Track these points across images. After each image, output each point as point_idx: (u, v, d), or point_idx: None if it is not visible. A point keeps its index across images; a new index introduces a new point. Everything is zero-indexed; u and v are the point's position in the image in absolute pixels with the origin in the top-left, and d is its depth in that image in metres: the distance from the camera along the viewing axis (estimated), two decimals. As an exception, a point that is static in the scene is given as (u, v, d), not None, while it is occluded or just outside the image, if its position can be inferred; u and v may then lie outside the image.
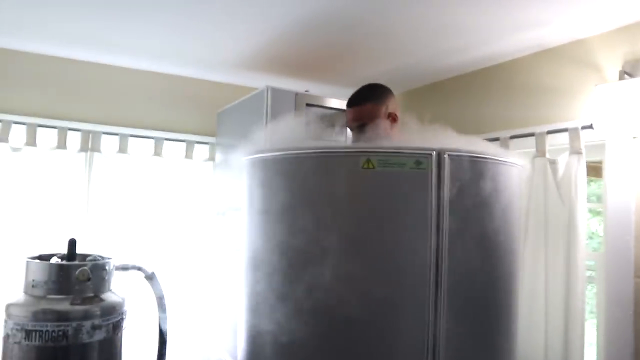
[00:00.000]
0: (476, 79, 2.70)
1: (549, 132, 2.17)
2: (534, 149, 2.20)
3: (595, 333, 2.15)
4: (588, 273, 2.32)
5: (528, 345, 2.14)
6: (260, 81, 2.87)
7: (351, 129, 1.87)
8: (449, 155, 1.22)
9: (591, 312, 2.29)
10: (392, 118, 1.81)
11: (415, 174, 1.19)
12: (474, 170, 1.30)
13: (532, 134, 2.22)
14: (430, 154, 1.21)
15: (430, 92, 3.01)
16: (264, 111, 2.05)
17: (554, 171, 2.11)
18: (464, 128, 2.68)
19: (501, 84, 2.54)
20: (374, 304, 1.22)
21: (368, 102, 1.80)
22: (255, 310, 1.42)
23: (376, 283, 1.22)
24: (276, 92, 2.09)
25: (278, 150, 1.36)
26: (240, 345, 1.50)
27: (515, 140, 2.33)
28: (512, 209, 1.38)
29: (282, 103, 2.07)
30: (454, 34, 2.20)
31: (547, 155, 2.16)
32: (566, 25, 2.06)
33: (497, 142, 2.36)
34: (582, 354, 1.98)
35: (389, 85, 1.88)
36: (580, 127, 2.05)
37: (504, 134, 2.36)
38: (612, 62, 2.04)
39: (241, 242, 1.53)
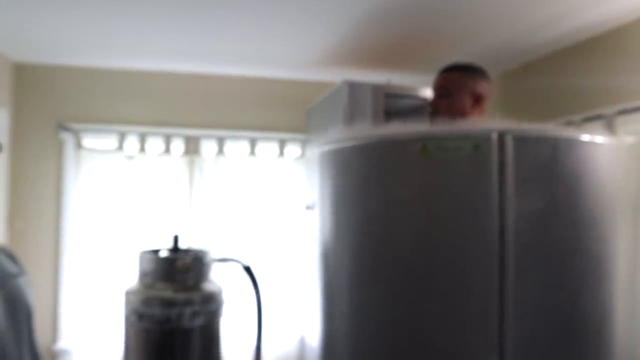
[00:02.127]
0: (577, 53, 2.45)
1: (664, 105, 1.90)
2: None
3: None
4: None
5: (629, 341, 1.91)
6: (345, 76, 2.89)
7: (431, 101, 1.73)
8: (513, 136, 1.12)
9: None
10: (478, 99, 1.64)
11: (472, 160, 1.11)
12: (545, 154, 1.18)
13: (643, 108, 1.96)
14: (490, 136, 1.12)
15: (526, 73, 2.80)
16: (343, 105, 2.07)
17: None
18: (566, 107, 2.47)
19: (606, 54, 2.28)
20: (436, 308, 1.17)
21: (457, 71, 1.65)
22: (329, 298, 1.44)
23: (431, 294, 1.17)
24: (354, 86, 2.09)
25: (336, 140, 1.36)
26: (316, 328, 1.54)
27: (626, 117, 2.07)
28: (601, 196, 1.23)
29: (360, 96, 2.07)
30: (545, 4, 2.01)
31: (663, 131, 1.90)
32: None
33: (600, 120, 2.12)
34: None
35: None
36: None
37: (610, 109, 2.11)
38: None
39: (317, 234, 1.56)
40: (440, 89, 1.65)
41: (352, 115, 2.05)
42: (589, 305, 1.24)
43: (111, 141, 2.78)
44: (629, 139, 2.03)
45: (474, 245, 1.13)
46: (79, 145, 2.73)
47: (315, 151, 1.53)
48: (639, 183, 1.96)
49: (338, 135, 1.41)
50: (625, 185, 1.98)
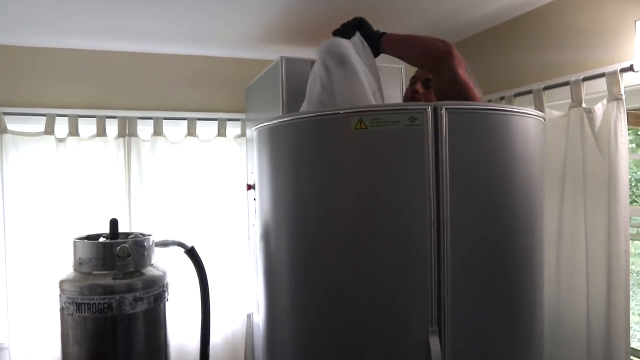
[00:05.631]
0: (507, 31, 2.55)
1: (585, 79, 2.03)
2: (569, 100, 2.06)
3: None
4: (633, 230, 2.17)
5: (570, 309, 2.05)
6: (284, 53, 2.86)
7: (412, 82, 1.74)
8: (446, 109, 1.17)
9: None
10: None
11: (409, 131, 1.15)
12: (477, 125, 1.23)
13: (566, 83, 2.08)
14: (426, 109, 1.15)
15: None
16: (280, 82, 2.04)
17: (591, 121, 1.97)
18: (496, 84, 2.57)
19: (532, 33, 2.39)
20: (373, 271, 1.20)
21: None
22: (270, 274, 1.45)
23: (371, 260, 1.19)
24: (291, 62, 2.08)
25: (275, 118, 1.35)
26: (261, 306, 1.55)
27: (552, 91, 2.19)
28: (529, 165, 1.30)
29: (298, 72, 2.05)
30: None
31: (584, 105, 2.02)
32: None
33: (530, 95, 2.22)
34: (627, 315, 1.87)
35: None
36: (619, 70, 1.89)
37: (538, 85, 2.22)
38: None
39: (257, 213, 1.56)
40: (427, 79, 1.64)
41: (289, 92, 2.04)
42: (518, 254, 1.31)
43: (39, 125, 2.62)
44: (555, 113, 2.15)
45: (411, 212, 1.17)
46: (3, 130, 2.56)
47: (253, 129, 1.52)
48: (563, 154, 2.08)
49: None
50: (550, 155, 2.10)
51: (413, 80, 1.74)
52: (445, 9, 2.35)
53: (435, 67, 1.48)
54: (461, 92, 1.39)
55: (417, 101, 1.61)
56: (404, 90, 1.72)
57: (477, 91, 1.45)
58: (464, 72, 1.45)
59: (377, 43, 1.64)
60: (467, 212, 1.19)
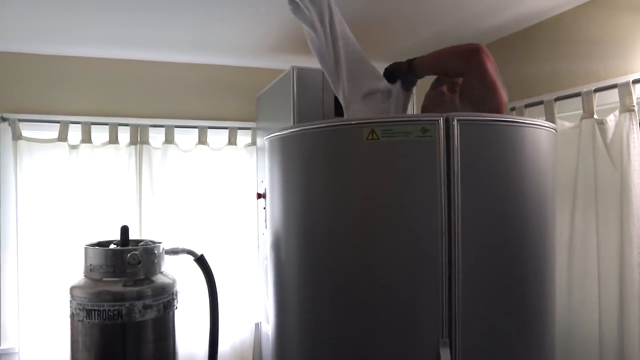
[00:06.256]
0: (518, 41, 2.55)
1: (597, 90, 2.02)
2: (581, 111, 2.05)
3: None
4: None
5: (582, 320, 2.03)
6: (296, 62, 2.87)
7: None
8: (458, 120, 1.17)
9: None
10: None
11: (421, 142, 1.15)
12: (489, 136, 1.23)
13: (578, 94, 2.07)
14: (438, 120, 1.16)
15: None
16: (291, 92, 2.06)
17: (603, 132, 1.96)
18: (510, 94, 2.55)
19: (543, 43, 2.39)
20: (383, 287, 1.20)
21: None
22: (280, 283, 1.45)
23: (383, 272, 1.19)
24: (302, 72, 2.09)
25: (287, 128, 1.36)
26: (270, 316, 1.54)
27: (563, 102, 2.18)
28: (540, 176, 1.30)
29: (309, 82, 2.06)
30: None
31: (596, 116, 2.01)
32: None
33: (541, 106, 2.22)
34: (640, 327, 1.84)
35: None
36: (631, 82, 1.88)
37: (549, 96, 2.21)
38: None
39: (268, 222, 1.56)
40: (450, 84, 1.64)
41: (300, 102, 2.05)
42: (530, 271, 1.30)
43: (53, 132, 2.66)
44: (566, 124, 2.14)
45: (423, 223, 1.17)
46: (18, 136, 2.59)
47: (265, 139, 1.53)
48: (574, 165, 2.06)
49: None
50: (562, 167, 2.09)
51: (437, 84, 1.70)
52: (455, 19, 2.35)
53: (465, 62, 1.49)
54: (488, 89, 1.42)
55: (444, 103, 1.61)
56: (427, 92, 1.72)
57: (503, 91, 1.48)
58: (493, 68, 1.47)
59: (410, 67, 1.63)
60: (479, 223, 1.19)
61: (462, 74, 1.55)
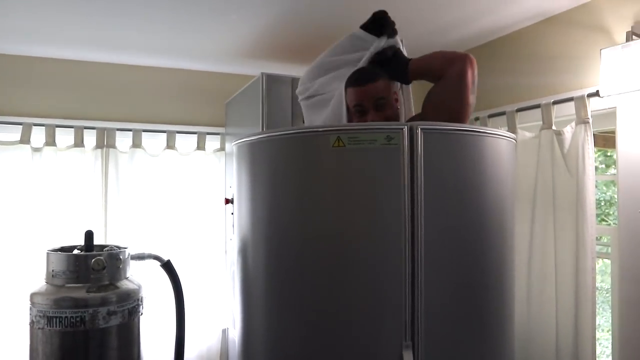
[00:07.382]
0: (480, 54, 2.63)
1: (555, 103, 2.11)
2: (541, 122, 2.14)
3: (611, 311, 2.08)
4: (603, 248, 2.25)
5: (540, 325, 2.10)
6: (266, 69, 2.89)
7: (358, 110, 1.56)
8: (422, 129, 1.21)
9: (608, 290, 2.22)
10: (397, 99, 1.66)
11: (386, 150, 1.18)
12: (451, 145, 1.27)
13: (538, 106, 2.15)
14: (402, 129, 1.19)
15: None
16: (260, 98, 2.07)
17: (560, 142, 2.05)
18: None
19: (506, 57, 2.48)
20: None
21: (380, 78, 1.55)
22: (246, 289, 1.46)
23: (347, 277, 1.21)
24: (272, 78, 2.11)
25: (255, 134, 1.37)
26: (237, 322, 1.55)
27: (524, 113, 2.27)
28: (500, 184, 1.35)
29: (278, 89, 2.08)
30: (454, 6, 2.14)
31: (554, 127, 2.09)
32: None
33: (504, 117, 2.30)
34: (593, 331, 1.93)
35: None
36: (586, 95, 1.97)
37: (511, 107, 2.30)
38: (619, 24, 1.95)
39: (235, 227, 1.57)
40: (373, 97, 1.51)
41: (269, 108, 2.07)
42: (490, 277, 1.34)
43: (15, 134, 2.59)
44: (527, 134, 2.22)
45: (387, 228, 1.20)
46: (-24, 138, 2.52)
47: (233, 144, 1.54)
48: (534, 174, 2.15)
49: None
50: (522, 175, 2.17)
51: (360, 108, 1.55)
52: (417, 33, 2.42)
53: (449, 65, 1.50)
54: (457, 97, 1.45)
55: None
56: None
57: (470, 104, 1.50)
58: (471, 80, 1.48)
59: (406, 68, 1.63)
60: (441, 230, 1.22)
61: (441, 77, 1.53)
